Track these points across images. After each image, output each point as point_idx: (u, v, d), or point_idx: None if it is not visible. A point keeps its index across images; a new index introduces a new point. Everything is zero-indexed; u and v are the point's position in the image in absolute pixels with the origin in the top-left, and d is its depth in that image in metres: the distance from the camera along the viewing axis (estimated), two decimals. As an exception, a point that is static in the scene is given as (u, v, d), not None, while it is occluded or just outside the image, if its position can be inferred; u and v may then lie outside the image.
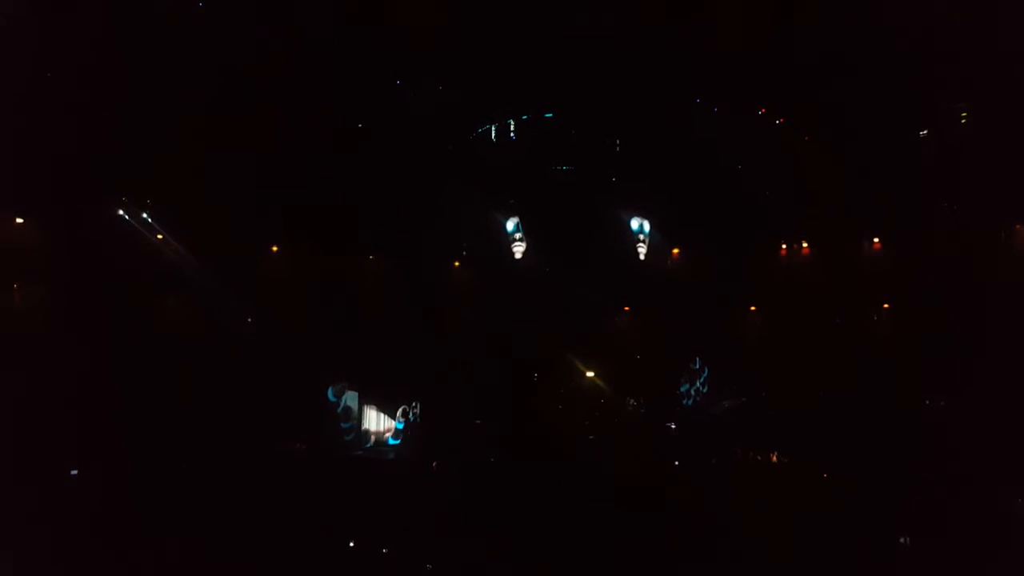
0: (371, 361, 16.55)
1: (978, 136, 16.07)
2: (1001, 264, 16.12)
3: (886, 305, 17.08)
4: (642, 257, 16.87)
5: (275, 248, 16.95)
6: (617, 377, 17.38)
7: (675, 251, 17.59)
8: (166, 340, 15.87)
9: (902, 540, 14.27)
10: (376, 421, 16.75)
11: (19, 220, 15.36)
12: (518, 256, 16.77)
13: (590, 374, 17.28)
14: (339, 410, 16.26)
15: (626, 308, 17.58)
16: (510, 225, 16.89)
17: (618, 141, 17.39)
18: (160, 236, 16.25)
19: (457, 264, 17.56)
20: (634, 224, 16.95)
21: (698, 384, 17.16)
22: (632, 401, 17.29)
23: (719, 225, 17.10)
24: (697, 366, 17.13)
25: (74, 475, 14.69)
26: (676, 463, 16.30)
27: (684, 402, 17.18)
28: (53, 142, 14.53)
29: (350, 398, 16.38)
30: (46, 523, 12.82)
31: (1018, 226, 16.25)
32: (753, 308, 17.42)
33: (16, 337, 14.87)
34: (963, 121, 16.33)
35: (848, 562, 13.30)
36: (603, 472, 15.61)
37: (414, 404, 16.57)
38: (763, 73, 16.28)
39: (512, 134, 17.28)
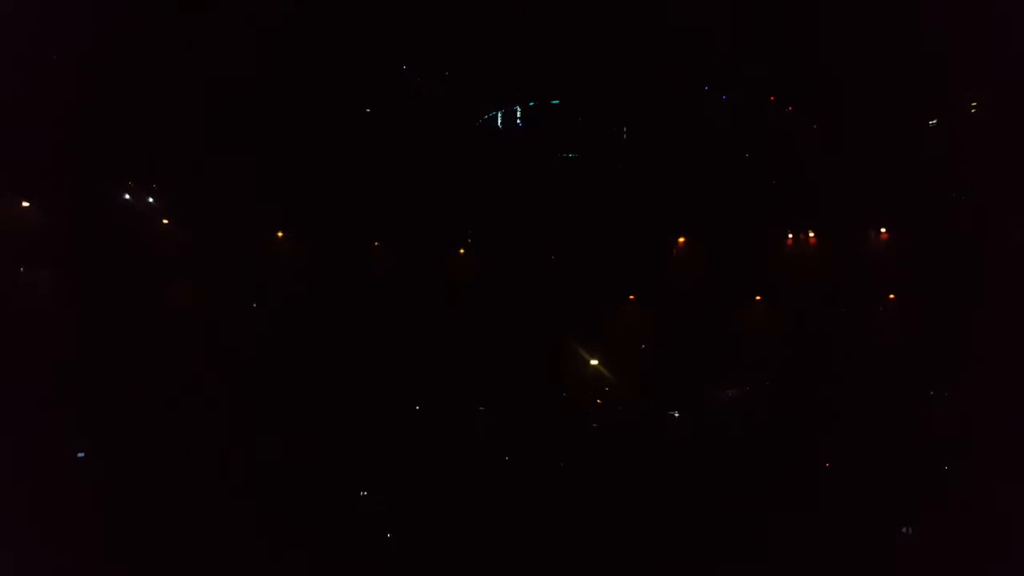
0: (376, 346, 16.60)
1: (987, 126, 15.97)
2: (1009, 255, 16.02)
3: (892, 296, 17.02)
4: None
5: (280, 234, 16.96)
6: (621, 366, 17.36)
7: (680, 239, 17.54)
8: (171, 325, 15.91)
9: (904, 531, 14.31)
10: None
11: (25, 203, 15.39)
12: None
13: (594, 362, 17.27)
14: None
15: (631, 297, 17.53)
16: None
17: (625, 128, 17.32)
18: (166, 221, 16.28)
19: (462, 252, 17.55)
20: None
21: (705, 374, 17.16)
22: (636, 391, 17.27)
23: (725, 213, 17.05)
24: (703, 356, 17.12)
25: (81, 457, 14.80)
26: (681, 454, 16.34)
27: (689, 391, 17.17)
28: (58, 126, 14.53)
29: None
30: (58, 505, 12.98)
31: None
32: (759, 298, 17.38)
33: (21, 320, 14.93)
34: (973, 111, 16.23)
35: (851, 555, 13.35)
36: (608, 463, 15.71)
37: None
38: (772, 60, 16.23)
39: (519, 120, 17.23)
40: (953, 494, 14.52)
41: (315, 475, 15.23)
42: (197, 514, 13.69)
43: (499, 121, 17.24)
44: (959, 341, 15.77)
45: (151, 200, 16.21)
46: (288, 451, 15.37)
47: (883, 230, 16.94)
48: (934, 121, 16.53)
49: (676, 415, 17.15)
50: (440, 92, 16.62)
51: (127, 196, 16.07)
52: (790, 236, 17.42)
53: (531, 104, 17.16)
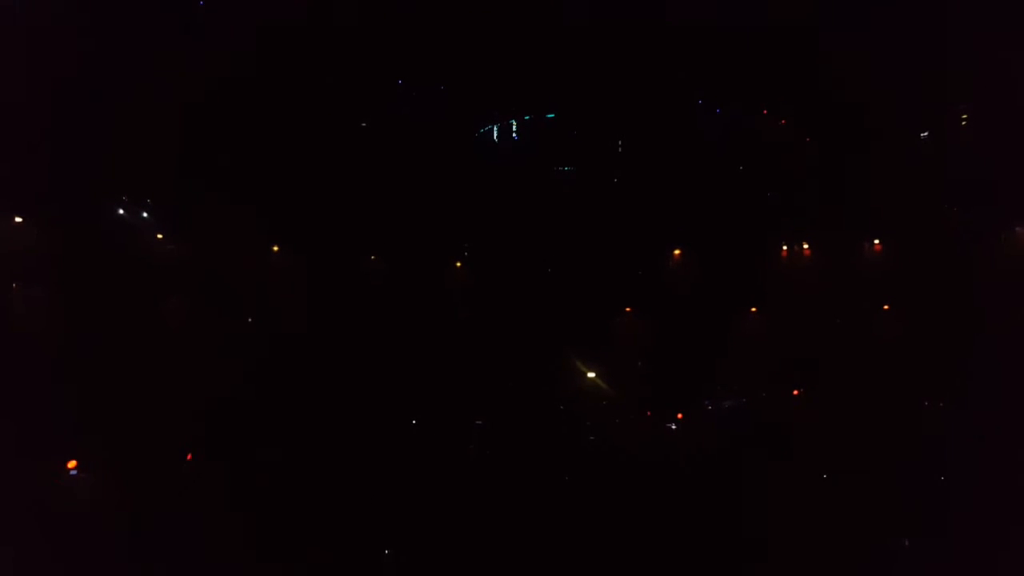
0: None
1: (978, 138, 16.14)
2: (1000, 265, 16.18)
3: (886, 306, 17.13)
4: None
5: (276, 248, 16.93)
6: (618, 377, 17.39)
7: (676, 251, 17.62)
8: (167, 340, 15.83)
9: (905, 542, 14.36)
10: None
11: (18, 219, 15.30)
12: None
13: (591, 375, 17.29)
14: None
15: (627, 308, 17.58)
16: None
17: (620, 141, 17.43)
18: (160, 236, 16.23)
19: (459, 264, 17.57)
20: None
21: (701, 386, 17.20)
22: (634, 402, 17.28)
23: (720, 225, 17.14)
24: (699, 367, 17.16)
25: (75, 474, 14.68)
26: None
27: (686, 402, 17.20)
28: (51, 141, 14.49)
29: None
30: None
31: (1018, 228, 16.30)
32: (754, 309, 17.46)
33: (16, 337, 14.83)
34: (964, 123, 16.41)
35: (849, 565, 13.40)
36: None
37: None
38: (765, 73, 16.39)
39: (515, 134, 17.31)
40: (949, 504, 14.58)
41: (312, 488, 15.15)
42: (194, 528, 13.61)
43: (495, 135, 17.32)
44: (953, 351, 15.88)
45: (145, 215, 16.15)
46: (285, 464, 15.32)
47: (876, 241, 17.08)
48: (925, 133, 16.70)
49: (673, 426, 17.18)
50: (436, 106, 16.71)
51: (121, 211, 16.02)
52: (784, 248, 17.53)
53: (527, 118, 17.25)
